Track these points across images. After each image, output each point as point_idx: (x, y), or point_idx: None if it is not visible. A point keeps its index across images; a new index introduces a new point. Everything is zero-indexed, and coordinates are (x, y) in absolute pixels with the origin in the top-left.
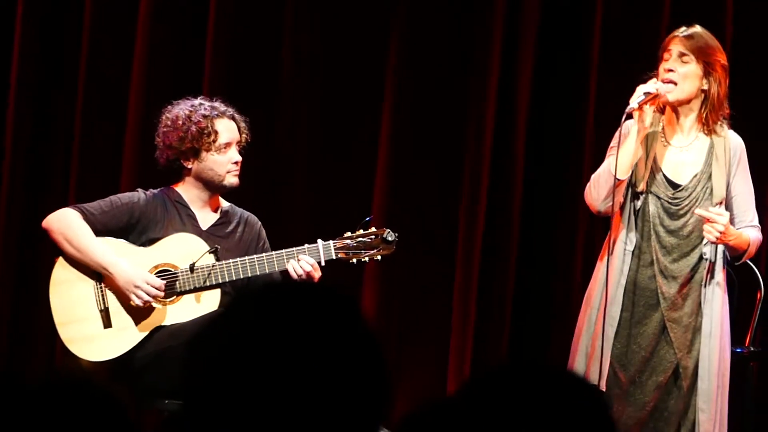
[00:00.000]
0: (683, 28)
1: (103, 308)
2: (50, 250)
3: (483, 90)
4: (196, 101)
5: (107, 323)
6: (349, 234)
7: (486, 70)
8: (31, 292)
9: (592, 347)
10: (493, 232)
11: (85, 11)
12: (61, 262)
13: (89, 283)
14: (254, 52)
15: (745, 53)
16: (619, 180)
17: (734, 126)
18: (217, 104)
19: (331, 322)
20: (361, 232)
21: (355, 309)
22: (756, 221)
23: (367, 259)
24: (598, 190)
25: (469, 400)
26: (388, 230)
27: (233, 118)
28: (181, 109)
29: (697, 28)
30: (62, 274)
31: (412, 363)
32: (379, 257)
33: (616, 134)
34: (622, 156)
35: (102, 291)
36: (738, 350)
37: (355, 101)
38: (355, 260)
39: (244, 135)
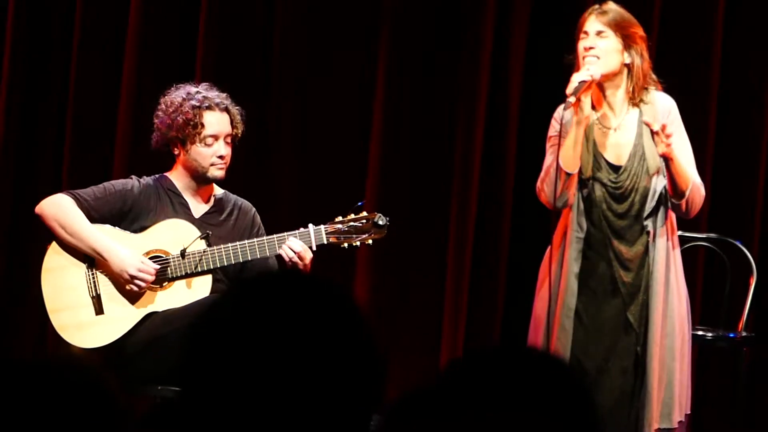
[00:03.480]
0: (596, 6)
1: (94, 295)
2: (41, 236)
3: (475, 74)
4: (194, 89)
5: (99, 310)
6: (340, 218)
7: (478, 59)
8: (22, 279)
9: (552, 341)
10: (486, 217)
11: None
12: (52, 248)
13: (81, 270)
14: (245, 38)
15: (736, 47)
16: (570, 174)
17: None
18: (212, 95)
19: (325, 310)
20: (353, 216)
21: (348, 297)
22: (697, 179)
23: (358, 243)
24: (551, 188)
25: (450, 384)
26: (379, 214)
27: (227, 111)
28: (177, 95)
29: (611, 4)
30: (54, 260)
31: (405, 349)
32: (370, 241)
33: (553, 124)
34: (567, 150)
35: (94, 277)
36: (731, 335)
37: (347, 85)
38: (346, 245)
39: (237, 128)
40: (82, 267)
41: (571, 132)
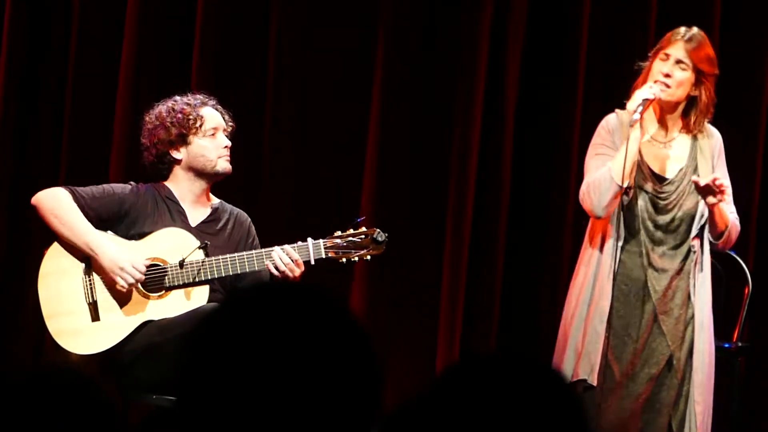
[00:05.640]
0: (683, 30)
1: (91, 301)
2: (39, 239)
3: (471, 88)
4: (177, 97)
5: (95, 316)
6: (339, 233)
7: (473, 69)
8: (19, 283)
9: (583, 343)
10: (481, 229)
11: (74, 3)
12: (49, 253)
13: (78, 276)
14: (241, 47)
15: (732, 53)
16: (622, 188)
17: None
18: (198, 95)
19: (321, 320)
20: (351, 231)
21: (344, 306)
22: (734, 214)
23: (356, 258)
24: (599, 198)
25: (446, 391)
26: (378, 230)
27: (216, 108)
28: (162, 105)
29: (696, 32)
30: (51, 265)
31: (401, 361)
32: (368, 257)
33: (601, 132)
34: (628, 164)
35: (91, 283)
36: (726, 345)
37: (342, 92)
38: (344, 260)
39: (229, 124)
40: (79, 272)
41: (630, 147)
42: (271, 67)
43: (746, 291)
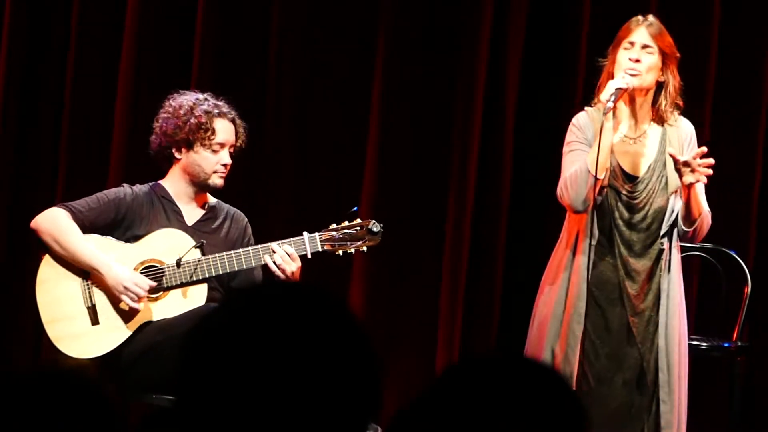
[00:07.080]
0: (641, 18)
1: (90, 305)
2: (36, 247)
3: (471, 88)
4: (202, 96)
5: (95, 320)
6: (334, 226)
7: (473, 69)
8: (19, 284)
9: (562, 346)
10: (481, 224)
11: (74, 3)
12: (47, 259)
13: (76, 281)
14: (241, 47)
15: (731, 53)
16: (598, 179)
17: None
18: (221, 104)
19: (320, 318)
20: (347, 223)
21: (343, 305)
22: (706, 207)
23: (353, 250)
24: (577, 191)
25: (446, 392)
26: (374, 221)
27: (233, 122)
28: (185, 99)
29: (653, 18)
30: (48, 271)
31: (401, 361)
32: (364, 248)
33: (572, 129)
34: (602, 155)
35: (89, 288)
36: (725, 345)
37: (342, 92)
38: (341, 252)
39: (240, 140)
40: (77, 278)
41: (604, 138)
42: (271, 67)
43: (746, 290)
